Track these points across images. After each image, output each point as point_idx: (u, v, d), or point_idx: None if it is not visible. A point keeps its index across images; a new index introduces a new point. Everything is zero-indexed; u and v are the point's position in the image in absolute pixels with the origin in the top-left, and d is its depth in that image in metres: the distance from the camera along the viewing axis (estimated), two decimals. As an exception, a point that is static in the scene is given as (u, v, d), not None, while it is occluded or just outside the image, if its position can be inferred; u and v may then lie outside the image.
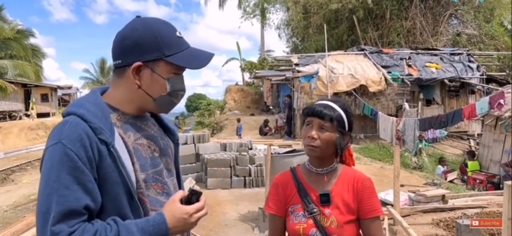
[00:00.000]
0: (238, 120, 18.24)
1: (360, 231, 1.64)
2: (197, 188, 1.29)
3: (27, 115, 26.22)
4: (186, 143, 9.10)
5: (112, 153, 1.18)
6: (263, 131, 17.97)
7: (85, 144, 1.14)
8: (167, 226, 1.19)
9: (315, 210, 1.60)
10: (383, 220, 5.49)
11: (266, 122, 18.56)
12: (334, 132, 1.60)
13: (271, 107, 22.18)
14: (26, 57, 27.40)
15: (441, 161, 12.38)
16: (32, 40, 30.43)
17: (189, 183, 7.38)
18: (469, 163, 11.12)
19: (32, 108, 25.72)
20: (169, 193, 1.34)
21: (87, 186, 1.13)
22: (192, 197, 1.26)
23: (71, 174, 1.11)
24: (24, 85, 27.55)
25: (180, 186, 1.50)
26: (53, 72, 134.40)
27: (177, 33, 1.32)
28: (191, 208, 1.24)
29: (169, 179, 1.38)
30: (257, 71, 24.02)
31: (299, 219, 1.62)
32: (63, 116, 1.25)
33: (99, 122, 1.18)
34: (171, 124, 1.53)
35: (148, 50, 1.26)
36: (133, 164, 1.23)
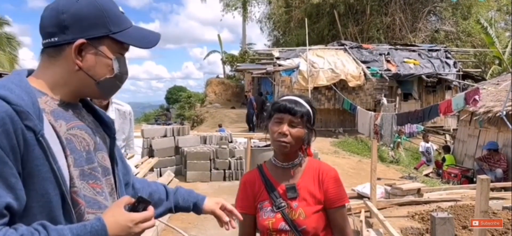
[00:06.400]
0: (220, 125, 17.57)
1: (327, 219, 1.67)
2: (145, 197, 1.12)
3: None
4: (165, 136, 9.02)
5: (41, 143, 0.97)
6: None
7: (7, 129, 0.92)
8: (107, 233, 1.00)
9: (282, 204, 1.64)
10: (360, 213, 5.58)
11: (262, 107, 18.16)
12: (303, 127, 1.63)
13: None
14: (0, 46, 26.62)
15: (425, 137, 12.71)
16: (6, 29, 29.50)
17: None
18: (446, 156, 11.40)
19: None
20: (105, 194, 1.15)
21: (9, 181, 0.92)
22: (138, 206, 1.08)
23: None
24: (-1, 74, 26.83)
25: (119, 188, 1.28)
26: (29, 61, 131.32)
27: (120, 9, 1.18)
28: (138, 215, 1.05)
29: (105, 178, 1.18)
30: (238, 64, 23.91)
31: (267, 215, 1.66)
32: None
33: (25, 106, 0.96)
34: (106, 116, 1.32)
35: (92, 25, 1.10)
36: (66, 157, 1.04)
